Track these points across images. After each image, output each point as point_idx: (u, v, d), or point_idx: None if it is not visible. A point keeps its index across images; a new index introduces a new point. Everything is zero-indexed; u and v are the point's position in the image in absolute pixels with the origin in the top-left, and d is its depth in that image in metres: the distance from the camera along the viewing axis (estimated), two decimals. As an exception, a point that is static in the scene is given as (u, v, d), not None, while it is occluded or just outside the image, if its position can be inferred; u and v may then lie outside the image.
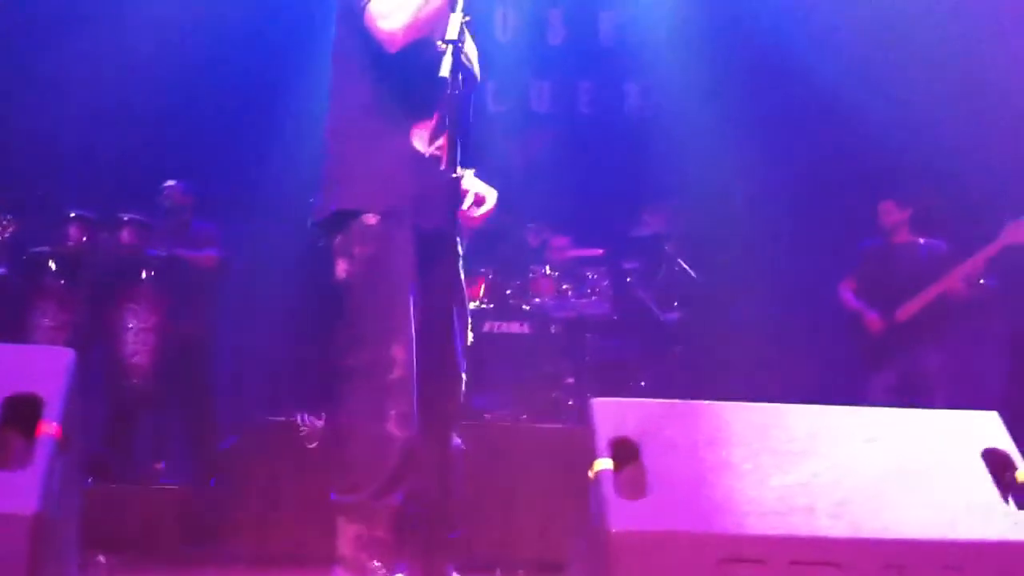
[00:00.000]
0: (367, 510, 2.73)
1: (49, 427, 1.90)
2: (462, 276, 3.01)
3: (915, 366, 5.47)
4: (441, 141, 2.87)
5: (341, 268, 2.85)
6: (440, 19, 2.74)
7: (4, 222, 4.96)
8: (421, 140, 2.90)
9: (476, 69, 3.13)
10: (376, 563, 2.72)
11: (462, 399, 3.02)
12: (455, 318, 2.93)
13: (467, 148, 2.86)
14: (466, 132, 2.94)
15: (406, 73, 2.85)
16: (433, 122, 2.89)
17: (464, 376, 3.00)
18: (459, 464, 2.98)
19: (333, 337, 3.00)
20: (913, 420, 2.51)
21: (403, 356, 2.75)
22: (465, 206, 2.95)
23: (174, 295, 5.35)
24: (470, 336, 3.06)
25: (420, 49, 2.79)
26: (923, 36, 6.41)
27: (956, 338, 5.63)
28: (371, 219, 2.82)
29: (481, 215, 3.02)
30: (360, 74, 2.90)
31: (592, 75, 7.59)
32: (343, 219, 2.86)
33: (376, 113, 2.89)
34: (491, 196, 3.05)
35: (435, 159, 2.83)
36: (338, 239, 2.87)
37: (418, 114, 2.89)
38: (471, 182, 3.03)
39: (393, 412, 2.73)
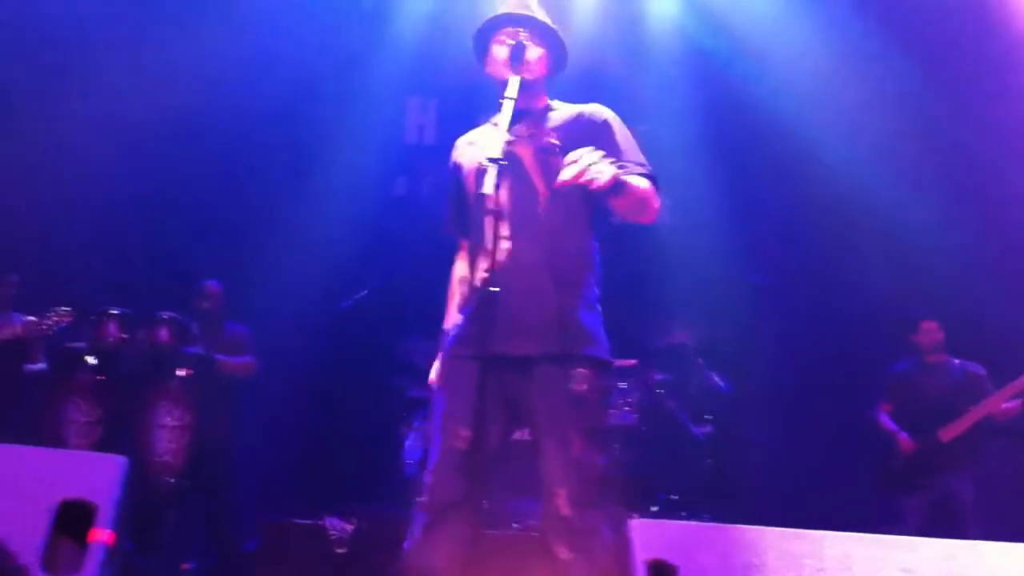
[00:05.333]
0: None
1: (102, 534, 1.94)
2: (552, 394, 2.96)
3: (949, 489, 5.41)
4: (485, 263, 2.90)
5: None
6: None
7: (62, 312, 5.10)
8: (467, 267, 3.14)
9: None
10: None
11: (557, 514, 2.84)
12: (543, 440, 2.96)
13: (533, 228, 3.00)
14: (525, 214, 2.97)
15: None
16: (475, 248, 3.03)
17: (562, 493, 2.84)
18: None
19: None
20: (950, 550, 2.49)
21: (431, 482, 2.90)
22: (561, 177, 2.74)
23: (205, 394, 5.39)
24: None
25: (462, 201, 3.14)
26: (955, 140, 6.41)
27: (989, 461, 5.57)
28: (438, 359, 3.11)
29: (566, 179, 2.72)
30: None
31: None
32: None
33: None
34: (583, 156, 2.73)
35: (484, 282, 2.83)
36: None
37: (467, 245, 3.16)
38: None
39: (416, 530, 2.89)
